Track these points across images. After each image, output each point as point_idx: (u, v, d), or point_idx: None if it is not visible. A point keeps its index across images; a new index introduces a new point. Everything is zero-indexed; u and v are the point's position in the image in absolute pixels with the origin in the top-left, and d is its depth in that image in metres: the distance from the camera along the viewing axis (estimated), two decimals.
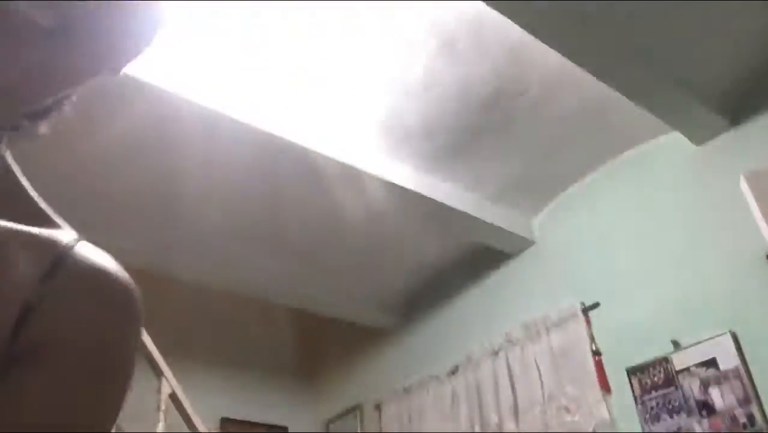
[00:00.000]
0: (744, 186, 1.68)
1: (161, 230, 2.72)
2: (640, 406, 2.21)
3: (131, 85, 1.83)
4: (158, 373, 2.65)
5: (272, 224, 2.76)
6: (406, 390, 3.09)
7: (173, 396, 2.63)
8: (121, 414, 0.60)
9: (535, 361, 2.55)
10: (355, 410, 3.43)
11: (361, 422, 3.37)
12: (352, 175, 2.38)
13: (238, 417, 3.43)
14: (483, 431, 2.64)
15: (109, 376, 0.48)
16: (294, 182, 2.49)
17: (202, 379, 3.22)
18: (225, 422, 3.36)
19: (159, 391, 2.60)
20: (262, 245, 2.87)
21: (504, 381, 2.65)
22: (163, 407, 2.56)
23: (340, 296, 3.24)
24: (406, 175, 2.50)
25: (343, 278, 3.13)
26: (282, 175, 2.42)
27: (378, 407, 3.24)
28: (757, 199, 1.66)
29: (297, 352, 3.93)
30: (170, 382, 2.61)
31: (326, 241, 2.87)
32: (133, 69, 0.47)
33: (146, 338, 2.66)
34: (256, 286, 3.09)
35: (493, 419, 2.62)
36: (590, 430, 2.31)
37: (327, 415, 3.60)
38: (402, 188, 2.48)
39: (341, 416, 3.51)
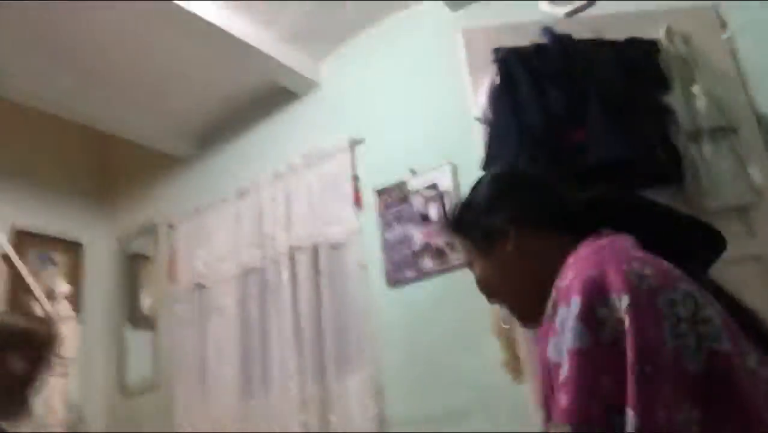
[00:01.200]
0: (459, 41, 2.15)
1: None
2: (381, 218, 2.81)
3: None
4: None
5: (63, 38, 2.85)
6: (197, 211, 3.46)
7: None
8: None
9: (308, 185, 3.05)
10: (150, 229, 3.74)
11: (155, 240, 3.70)
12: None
13: (33, 230, 3.58)
14: (261, 241, 3.12)
15: None
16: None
17: None
18: (19, 234, 3.49)
19: None
20: (52, 59, 2.95)
21: (281, 202, 3.12)
22: None
23: (137, 120, 3.43)
24: (204, 6, 2.71)
25: (139, 101, 3.31)
26: None
27: (171, 227, 3.59)
28: (469, 55, 2.14)
29: (94, 171, 4.05)
30: None
31: (121, 62, 3.02)
32: None
33: None
34: (48, 101, 3.16)
35: (269, 232, 3.10)
36: (344, 237, 2.89)
37: (123, 233, 3.87)
38: (200, 19, 2.70)
39: (137, 234, 3.81)
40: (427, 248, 2.63)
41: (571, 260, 0.90)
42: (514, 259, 1.00)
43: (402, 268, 2.68)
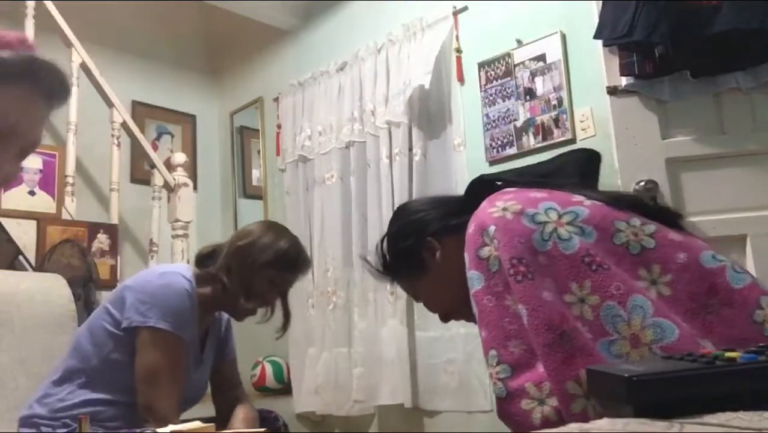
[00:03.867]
0: None
1: None
2: (483, 93, 2.71)
3: None
4: (67, 44, 2.89)
5: None
6: (301, 84, 3.49)
7: (84, 66, 2.91)
8: None
9: (408, 57, 2.96)
10: (256, 102, 3.84)
11: (262, 113, 3.81)
12: None
13: (150, 102, 3.79)
14: (360, 116, 3.12)
15: None
16: None
17: (112, 62, 3.48)
18: (136, 105, 3.71)
19: (69, 60, 2.87)
20: None
21: (382, 76, 3.07)
22: (75, 75, 2.85)
23: None
24: None
25: None
26: None
27: (276, 100, 3.66)
28: None
29: (204, 48, 4.19)
30: (80, 52, 2.86)
31: None
32: None
33: (53, 10, 2.84)
34: None
35: (369, 106, 3.09)
36: (444, 113, 2.82)
37: (231, 107, 4.01)
38: None
39: (244, 108, 3.94)
40: (530, 124, 2.53)
41: None
42: (445, 264, 1.10)
43: (503, 145, 2.61)
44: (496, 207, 0.92)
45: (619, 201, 0.93)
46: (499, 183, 1.07)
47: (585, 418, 0.75)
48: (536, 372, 0.81)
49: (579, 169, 1.07)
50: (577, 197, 0.94)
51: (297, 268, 1.62)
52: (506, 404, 0.83)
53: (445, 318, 1.18)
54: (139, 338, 1.44)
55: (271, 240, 1.58)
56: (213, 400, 1.77)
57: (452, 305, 1.15)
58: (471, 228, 0.95)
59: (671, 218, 0.94)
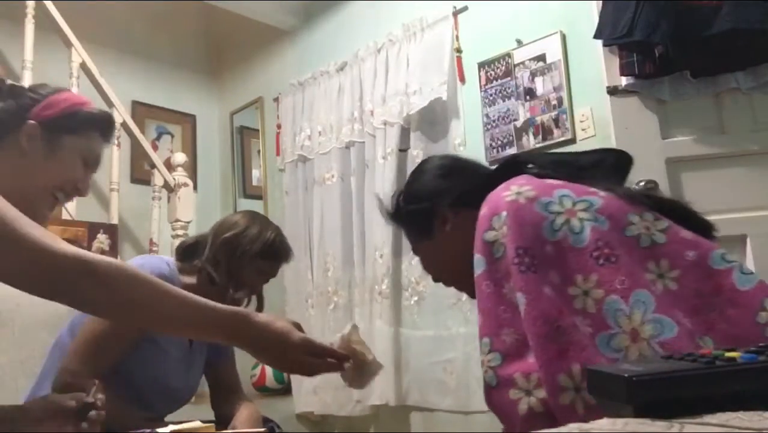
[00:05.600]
0: None
1: None
2: (483, 93, 2.71)
3: None
4: (67, 44, 2.89)
5: None
6: (301, 84, 3.49)
7: (84, 66, 2.91)
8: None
9: (407, 58, 2.96)
10: (256, 102, 3.84)
11: (262, 113, 3.81)
12: None
13: (150, 102, 3.79)
14: (360, 116, 3.12)
15: None
16: None
17: (112, 62, 3.48)
18: (136, 105, 3.71)
19: (70, 60, 2.87)
20: None
21: (381, 76, 3.07)
22: (75, 75, 2.85)
23: None
24: None
25: None
26: None
27: (276, 100, 3.66)
28: None
29: (204, 48, 4.19)
30: (80, 52, 2.86)
31: None
32: None
33: (53, 10, 2.84)
34: None
35: (368, 106, 3.09)
36: (443, 113, 2.82)
37: (231, 107, 4.01)
38: None
39: (244, 108, 3.94)
40: (530, 124, 2.53)
41: None
42: (453, 237, 1.08)
43: (503, 145, 2.61)
44: (511, 191, 0.91)
45: (635, 196, 0.93)
46: (530, 166, 1.04)
47: (573, 410, 0.75)
48: (526, 362, 0.82)
49: (615, 171, 1.05)
50: (593, 189, 0.93)
51: (284, 257, 1.64)
52: (495, 393, 0.84)
53: (436, 281, 1.18)
54: None
55: (258, 231, 1.59)
56: (212, 404, 1.73)
57: (448, 276, 1.15)
58: (484, 209, 0.94)
59: (686, 215, 0.92)
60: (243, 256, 1.55)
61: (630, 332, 0.78)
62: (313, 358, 1.10)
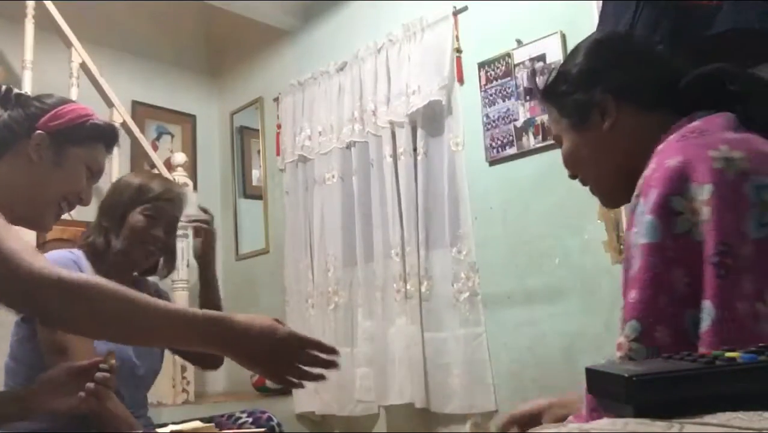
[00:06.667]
0: None
1: None
2: (483, 93, 2.71)
3: None
4: (67, 44, 2.89)
5: None
6: (301, 84, 3.49)
7: (84, 66, 2.91)
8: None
9: (408, 57, 2.96)
10: (256, 102, 3.84)
11: (262, 113, 3.81)
12: None
13: (149, 102, 3.79)
14: (361, 116, 3.12)
15: None
16: None
17: (112, 62, 3.48)
18: (136, 105, 3.71)
19: (70, 60, 2.87)
20: None
21: (382, 76, 3.07)
22: (75, 75, 2.85)
23: None
24: None
25: None
26: None
27: (276, 100, 3.66)
28: None
29: (204, 48, 4.19)
30: (80, 52, 2.86)
31: None
32: None
33: (53, 10, 2.84)
34: None
35: (370, 106, 3.09)
36: (444, 112, 2.82)
37: (231, 107, 4.02)
38: None
39: (244, 108, 3.94)
40: (530, 124, 2.53)
41: (659, 146, 0.81)
42: (609, 137, 0.91)
43: (503, 145, 2.61)
44: (719, 152, 0.71)
45: None
46: (747, 94, 0.82)
47: None
48: None
49: None
50: None
51: (166, 192, 1.57)
52: None
53: (572, 177, 1.01)
54: None
55: (128, 179, 1.61)
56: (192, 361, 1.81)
57: (589, 176, 0.98)
58: (676, 159, 0.73)
59: None
60: (120, 206, 1.55)
61: None
62: (304, 352, 1.05)
